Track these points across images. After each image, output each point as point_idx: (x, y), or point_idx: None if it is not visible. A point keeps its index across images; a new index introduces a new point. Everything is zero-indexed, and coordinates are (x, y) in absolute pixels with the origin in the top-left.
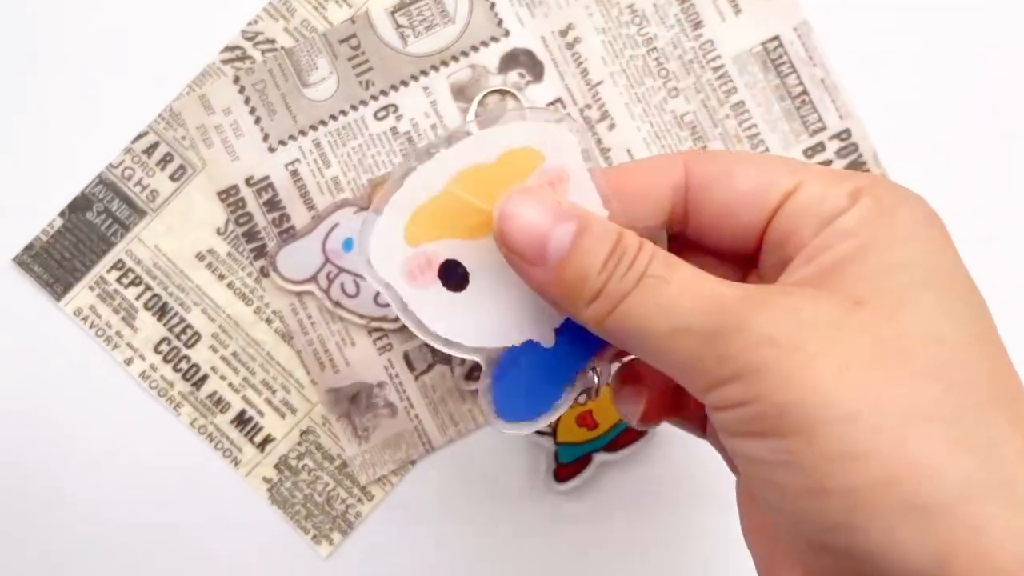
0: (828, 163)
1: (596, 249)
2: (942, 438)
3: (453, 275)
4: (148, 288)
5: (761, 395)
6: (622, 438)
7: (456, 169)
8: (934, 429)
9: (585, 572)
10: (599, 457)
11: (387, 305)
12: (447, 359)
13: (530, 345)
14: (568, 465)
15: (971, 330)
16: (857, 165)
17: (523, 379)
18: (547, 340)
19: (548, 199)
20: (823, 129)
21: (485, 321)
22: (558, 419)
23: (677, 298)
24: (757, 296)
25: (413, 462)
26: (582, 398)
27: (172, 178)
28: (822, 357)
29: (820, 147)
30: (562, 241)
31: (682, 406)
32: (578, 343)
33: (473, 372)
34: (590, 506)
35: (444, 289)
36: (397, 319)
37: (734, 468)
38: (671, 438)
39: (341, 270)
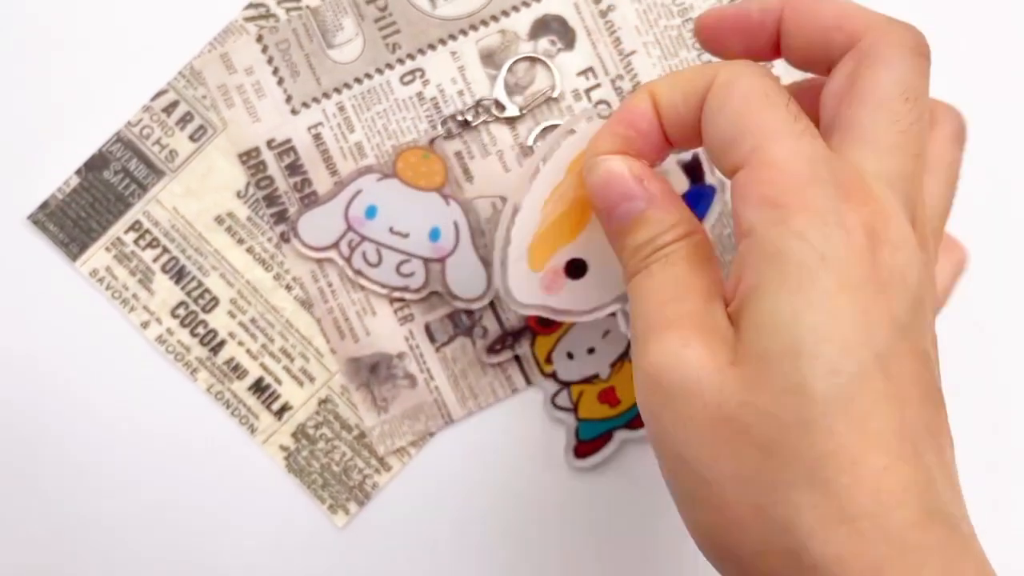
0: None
1: (642, 233)
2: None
3: (576, 269)
4: (166, 250)
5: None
6: None
7: (567, 162)
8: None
9: (602, 550)
10: (620, 435)
11: (410, 275)
12: (469, 331)
13: None
14: (589, 442)
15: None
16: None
17: None
18: None
19: (624, 173)
20: None
21: (611, 276)
22: (579, 395)
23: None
24: (696, 319)
25: (432, 434)
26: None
27: (192, 138)
28: (687, 415)
29: None
30: (625, 215)
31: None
32: None
33: (495, 346)
34: (610, 484)
35: (574, 281)
36: (419, 290)
37: None
38: None
39: (363, 238)
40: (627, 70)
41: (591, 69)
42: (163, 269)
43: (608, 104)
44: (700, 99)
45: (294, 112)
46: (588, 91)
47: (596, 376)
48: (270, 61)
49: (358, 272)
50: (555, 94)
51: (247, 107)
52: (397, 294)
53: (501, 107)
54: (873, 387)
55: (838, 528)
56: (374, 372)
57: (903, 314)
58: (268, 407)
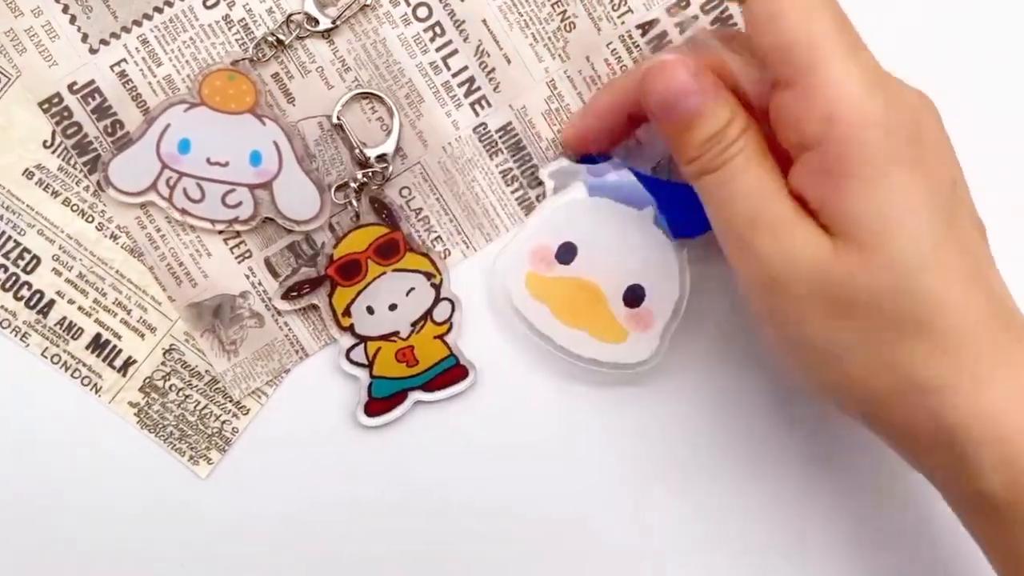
0: (695, 18)
1: (703, 130)
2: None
3: (567, 252)
4: None
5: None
6: (441, 379)
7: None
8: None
9: (390, 506)
10: (415, 395)
11: (237, 204)
12: (312, 260)
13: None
14: (381, 400)
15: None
16: (723, 20)
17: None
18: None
19: (683, 71)
20: None
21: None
22: (376, 351)
23: (734, 196)
24: (791, 214)
25: (288, 371)
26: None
27: None
28: (806, 292)
29: (684, 2)
30: (685, 113)
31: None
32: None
33: (290, 292)
34: (399, 444)
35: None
36: (249, 220)
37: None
38: (493, 387)
39: (181, 175)
40: None
41: None
42: None
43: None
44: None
45: (92, 51)
46: None
47: (396, 334)
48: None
49: (183, 211)
50: (369, 1)
51: (40, 51)
52: (227, 227)
53: (314, 21)
54: (947, 242)
55: (943, 358)
56: (218, 315)
57: (949, 180)
58: (110, 364)
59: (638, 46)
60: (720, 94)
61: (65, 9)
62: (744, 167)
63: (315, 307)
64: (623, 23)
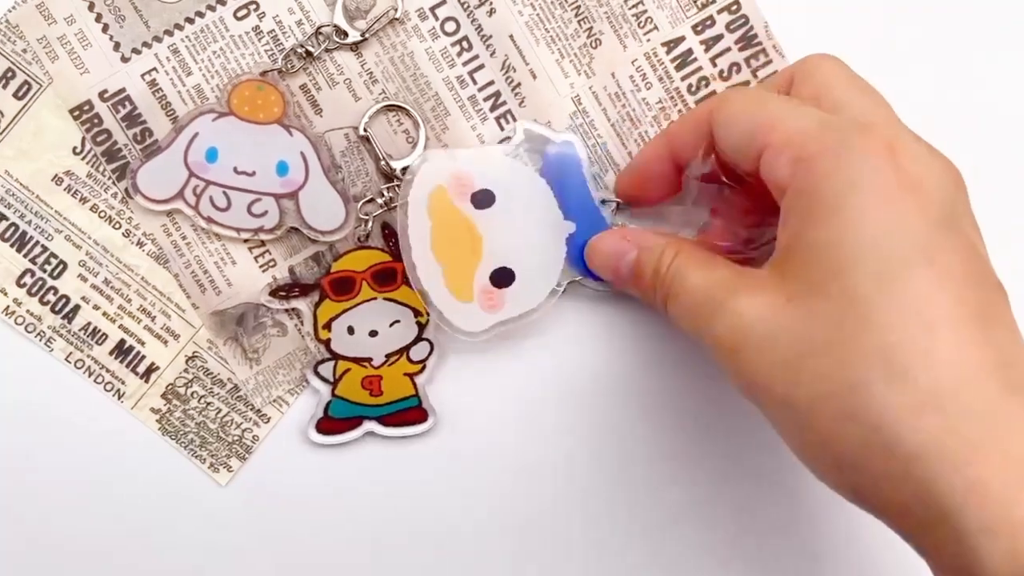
0: (719, 38)
1: (645, 272)
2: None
3: (503, 277)
4: (3, 217)
5: (733, 382)
6: (399, 416)
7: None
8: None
9: (409, 518)
10: (369, 425)
11: (263, 214)
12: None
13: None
14: (335, 420)
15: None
16: (748, 39)
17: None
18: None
19: (610, 241)
20: (712, 3)
21: (542, 264)
22: (345, 371)
23: (679, 312)
24: (720, 302)
25: (308, 381)
26: None
27: (16, 96)
28: (757, 357)
29: (710, 21)
30: (627, 268)
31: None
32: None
33: (279, 291)
34: (343, 467)
35: (508, 288)
36: (275, 229)
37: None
38: (450, 437)
39: (208, 183)
40: None
41: None
42: (2, 237)
43: (462, 33)
44: (706, 125)
45: (124, 60)
46: (433, 9)
47: (368, 360)
48: (91, 7)
49: (209, 219)
50: (398, 15)
51: (73, 59)
52: (252, 236)
53: (343, 33)
54: (920, 276)
55: (924, 414)
56: (241, 324)
57: (936, 210)
58: (133, 370)
59: (663, 63)
60: (648, 238)
61: (98, 18)
62: (683, 275)
63: (297, 311)
64: (648, 40)
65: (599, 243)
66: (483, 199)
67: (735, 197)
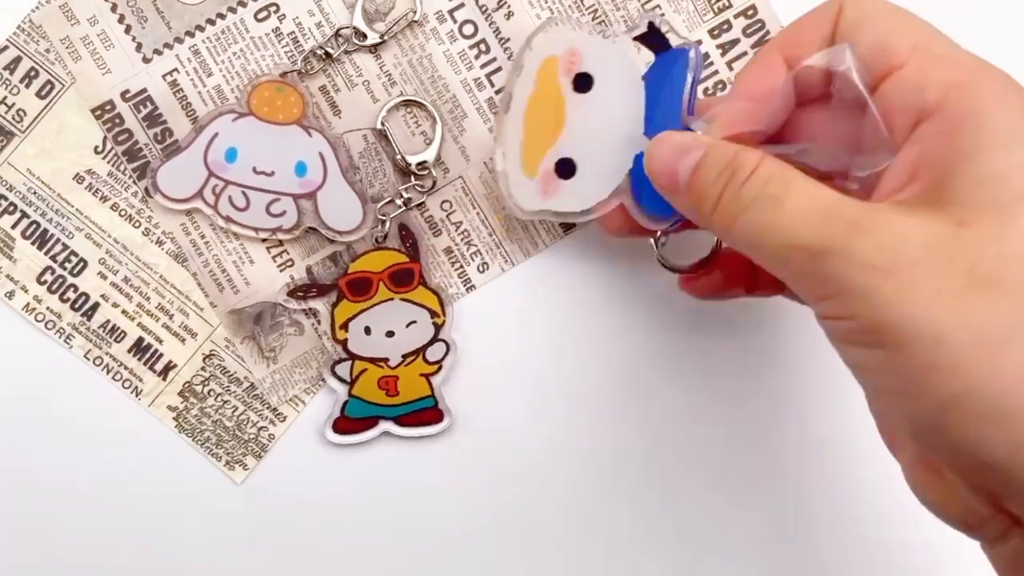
0: (735, 42)
1: (710, 170)
2: (1018, 354)
3: (566, 169)
4: (24, 215)
5: (860, 314)
6: (415, 416)
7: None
8: (1012, 347)
9: (424, 515)
10: (385, 425)
11: (281, 214)
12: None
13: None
14: (352, 420)
15: None
16: (763, 44)
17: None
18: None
19: (679, 137)
20: (728, 7)
21: (602, 171)
22: (362, 371)
23: (789, 219)
24: (865, 218)
25: (324, 380)
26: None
27: (39, 95)
28: (917, 282)
29: (727, 26)
30: (686, 169)
31: (757, 285)
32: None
33: (297, 291)
34: (358, 467)
35: (567, 181)
36: (293, 229)
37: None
38: (467, 436)
39: (227, 183)
40: None
41: None
42: (23, 235)
43: (475, 24)
44: (829, 30)
45: (146, 60)
46: (452, 12)
47: (385, 360)
48: (114, 9)
49: (228, 219)
50: (416, 17)
51: (95, 59)
52: (271, 235)
53: (362, 35)
54: None
55: None
56: (258, 323)
57: None
58: (151, 368)
59: None
60: (709, 141)
61: (121, 19)
62: (788, 177)
63: (315, 311)
64: None
65: (666, 137)
66: (583, 83)
67: (836, 119)
